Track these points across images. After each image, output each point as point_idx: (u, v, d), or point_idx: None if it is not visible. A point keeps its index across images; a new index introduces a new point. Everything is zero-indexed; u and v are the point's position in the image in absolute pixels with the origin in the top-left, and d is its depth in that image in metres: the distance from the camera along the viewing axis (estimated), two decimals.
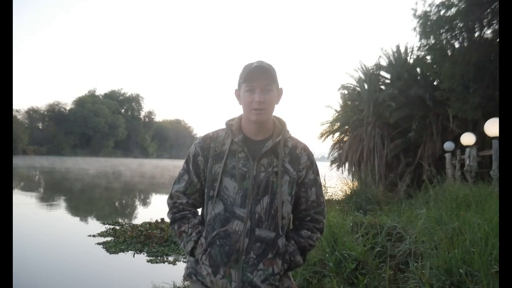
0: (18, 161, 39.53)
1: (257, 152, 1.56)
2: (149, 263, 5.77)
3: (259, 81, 1.54)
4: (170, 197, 1.66)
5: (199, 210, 1.69)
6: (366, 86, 14.59)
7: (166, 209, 1.68)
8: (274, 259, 1.53)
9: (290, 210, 1.60)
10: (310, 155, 1.65)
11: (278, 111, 1.67)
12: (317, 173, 1.67)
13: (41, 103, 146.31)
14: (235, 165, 1.55)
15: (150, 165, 52.21)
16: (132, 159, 75.51)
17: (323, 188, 1.77)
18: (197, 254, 1.55)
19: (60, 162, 45.19)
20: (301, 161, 1.62)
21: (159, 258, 5.99)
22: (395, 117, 13.01)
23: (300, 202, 1.63)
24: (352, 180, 12.92)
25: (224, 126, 1.65)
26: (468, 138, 9.63)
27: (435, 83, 12.40)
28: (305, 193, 1.63)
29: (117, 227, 8.13)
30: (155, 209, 12.09)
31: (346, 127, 16.10)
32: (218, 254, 1.51)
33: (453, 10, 9.78)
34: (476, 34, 10.06)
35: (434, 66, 11.47)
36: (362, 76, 15.09)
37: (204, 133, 1.70)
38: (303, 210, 1.64)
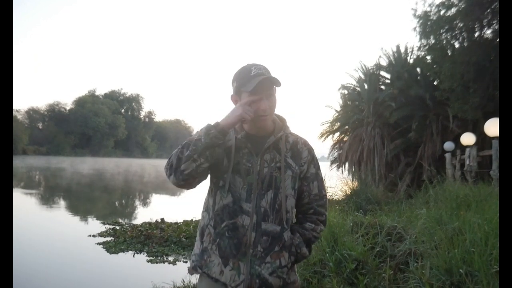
0: (18, 161, 39.53)
1: (260, 147, 1.60)
2: (149, 263, 5.77)
3: (265, 91, 1.55)
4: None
5: (206, 199, 1.67)
6: (366, 86, 14.60)
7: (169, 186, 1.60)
8: (281, 252, 1.57)
9: (294, 204, 1.64)
10: (310, 150, 1.70)
11: (278, 110, 1.68)
12: (318, 167, 1.71)
13: (41, 103, 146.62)
14: (239, 160, 1.58)
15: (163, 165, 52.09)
16: (145, 160, 75.49)
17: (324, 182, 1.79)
18: (205, 242, 1.58)
19: (69, 163, 45.19)
20: (302, 155, 1.66)
21: (159, 258, 5.98)
22: (395, 117, 13.01)
23: (303, 196, 1.67)
24: (352, 180, 12.93)
25: None
26: (468, 138, 9.63)
27: (435, 83, 12.40)
28: (308, 187, 1.67)
29: (117, 227, 8.13)
30: (155, 209, 12.09)
31: (346, 127, 16.10)
32: (227, 246, 1.54)
33: (453, 10, 9.78)
34: (476, 34, 10.06)
35: (434, 66, 11.47)
36: (362, 76, 15.10)
37: None
38: (306, 203, 1.68)
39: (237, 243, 1.53)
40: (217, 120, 1.53)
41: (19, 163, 37.08)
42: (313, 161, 1.69)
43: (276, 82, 1.55)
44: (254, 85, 1.50)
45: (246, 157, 1.58)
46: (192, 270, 1.64)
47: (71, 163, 45.81)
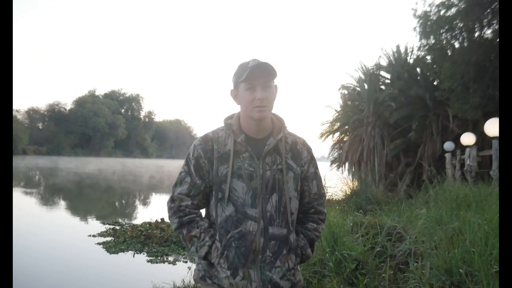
0: (18, 161, 39.51)
1: (260, 150, 1.57)
2: (149, 263, 5.77)
3: (259, 79, 1.53)
4: (172, 200, 1.60)
5: (203, 212, 1.67)
6: (366, 86, 14.59)
7: (166, 212, 1.62)
8: (288, 255, 1.56)
9: (297, 206, 1.63)
10: (309, 150, 1.69)
11: (278, 111, 1.67)
12: (316, 167, 1.72)
13: (41, 103, 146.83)
14: (240, 165, 1.54)
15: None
16: (150, 160, 75.36)
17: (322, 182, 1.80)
18: (213, 258, 1.53)
19: (67, 163, 45.15)
20: (302, 156, 1.65)
21: (159, 258, 5.98)
22: (395, 117, 13.01)
23: (304, 195, 1.66)
24: (352, 180, 12.93)
25: (222, 125, 1.64)
26: (468, 138, 9.63)
27: (435, 83, 12.40)
28: (308, 186, 1.67)
29: (117, 227, 8.13)
30: (155, 209, 12.08)
31: (346, 127, 16.09)
32: (235, 256, 1.51)
33: (453, 10, 9.78)
34: (476, 34, 10.06)
35: (434, 66, 11.47)
36: (362, 76, 15.09)
37: (203, 133, 1.67)
38: (306, 203, 1.68)
39: (244, 251, 1.50)
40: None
41: (19, 163, 37.08)
42: (312, 160, 1.69)
43: (269, 68, 1.52)
44: (247, 73, 1.50)
45: (248, 162, 1.54)
46: (199, 280, 1.59)
47: (70, 162, 45.78)
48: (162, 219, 8.45)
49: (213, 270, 1.54)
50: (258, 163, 1.55)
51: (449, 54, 10.45)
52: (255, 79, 1.52)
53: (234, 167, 1.54)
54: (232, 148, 1.55)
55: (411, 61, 14.17)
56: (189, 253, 6.21)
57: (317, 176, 1.71)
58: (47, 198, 14.32)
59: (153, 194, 17.98)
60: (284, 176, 1.56)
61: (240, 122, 1.61)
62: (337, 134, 16.88)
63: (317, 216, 1.69)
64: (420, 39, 10.67)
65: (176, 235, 7.00)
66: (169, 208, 1.60)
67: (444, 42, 10.33)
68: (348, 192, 9.64)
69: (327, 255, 3.72)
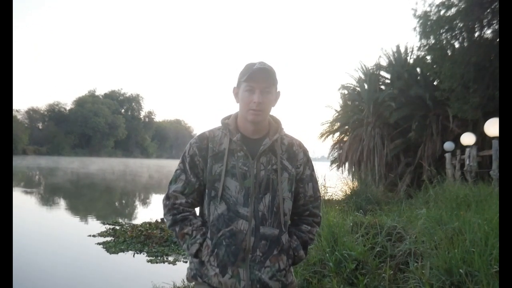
0: (18, 161, 39.52)
1: (255, 150, 1.57)
2: (149, 263, 5.77)
3: (260, 82, 1.54)
4: (167, 198, 1.62)
5: (197, 210, 1.68)
6: (366, 86, 14.59)
7: (161, 209, 1.65)
8: (279, 255, 1.56)
9: (291, 207, 1.63)
10: (305, 152, 1.69)
11: (278, 111, 1.68)
12: (312, 169, 1.71)
13: (41, 103, 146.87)
14: (235, 164, 1.55)
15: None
16: (150, 160, 75.34)
17: (320, 186, 1.81)
18: (203, 256, 1.54)
19: (68, 163, 45.11)
20: (298, 157, 1.65)
21: (159, 258, 5.99)
22: (395, 117, 13.01)
23: (299, 197, 1.66)
24: (352, 180, 12.92)
25: (219, 124, 1.65)
26: (468, 138, 9.63)
27: (435, 83, 12.41)
28: (303, 188, 1.66)
29: (117, 227, 8.13)
30: (155, 209, 12.09)
31: (346, 127, 16.10)
32: (225, 254, 1.52)
33: (453, 10, 9.78)
34: (476, 34, 10.07)
35: (434, 66, 11.47)
36: (362, 76, 15.09)
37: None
38: (301, 205, 1.68)
39: (234, 249, 1.51)
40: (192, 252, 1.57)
41: (19, 163, 37.08)
42: (308, 163, 1.68)
43: (271, 74, 1.54)
44: (249, 74, 1.52)
45: (242, 161, 1.55)
46: (191, 279, 1.60)
47: (70, 163, 45.78)
48: (162, 219, 8.45)
49: (203, 268, 1.55)
50: (253, 163, 1.55)
51: (449, 54, 10.45)
52: (256, 82, 1.54)
53: (228, 165, 1.55)
54: (227, 146, 1.56)
55: (411, 61, 14.18)
56: (182, 251, 6.20)
57: (313, 179, 1.70)
58: (47, 198, 14.32)
59: (153, 194, 17.97)
60: (279, 177, 1.56)
61: (237, 121, 1.62)
62: (337, 134, 16.90)
63: (311, 218, 1.69)
64: (420, 39, 10.68)
65: None
66: (164, 206, 1.62)
67: (444, 42, 10.33)
68: (348, 192, 9.63)
69: (327, 255, 3.72)
